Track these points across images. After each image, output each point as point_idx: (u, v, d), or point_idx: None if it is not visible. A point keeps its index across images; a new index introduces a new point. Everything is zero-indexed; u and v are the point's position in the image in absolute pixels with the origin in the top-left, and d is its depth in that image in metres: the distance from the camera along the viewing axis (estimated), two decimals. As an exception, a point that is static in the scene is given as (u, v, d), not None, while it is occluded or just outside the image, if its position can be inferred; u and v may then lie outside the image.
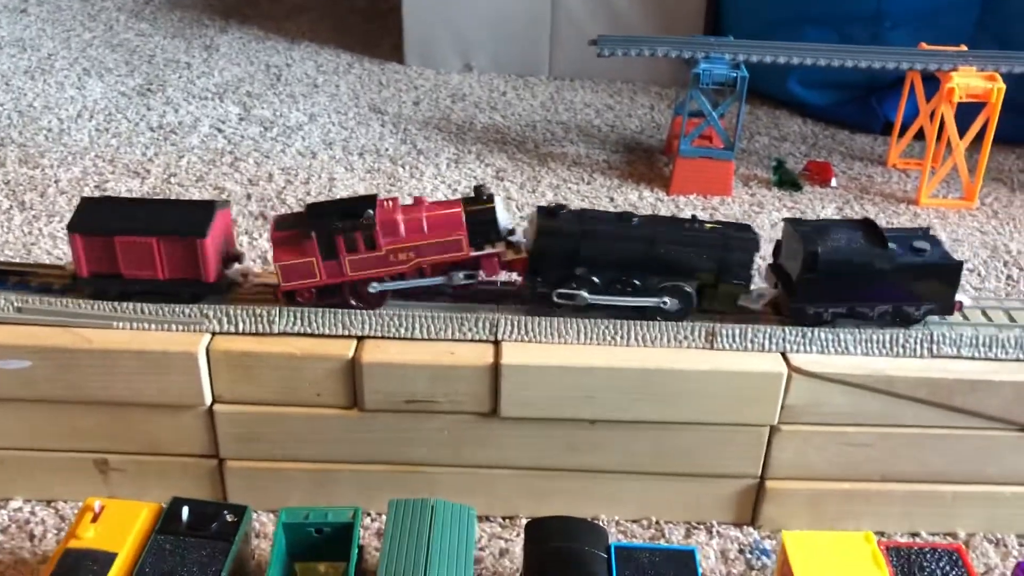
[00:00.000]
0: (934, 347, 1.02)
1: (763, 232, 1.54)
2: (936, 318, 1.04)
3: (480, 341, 1.02)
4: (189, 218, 1.03)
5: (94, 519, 0.93)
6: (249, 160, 1.88)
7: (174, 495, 0.98)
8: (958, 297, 1.03)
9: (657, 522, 1.09)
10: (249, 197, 1.73)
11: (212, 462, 1.06)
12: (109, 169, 1.82)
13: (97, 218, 1.04)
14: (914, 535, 1.09)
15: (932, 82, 1.82)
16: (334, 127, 2.05)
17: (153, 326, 1.01)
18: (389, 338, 1.02)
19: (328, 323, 1.02)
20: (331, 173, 1.85)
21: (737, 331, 1.02)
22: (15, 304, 1.02)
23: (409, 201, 1.05)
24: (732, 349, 1.02)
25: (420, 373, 1.00)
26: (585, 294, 1.01)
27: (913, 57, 1.80)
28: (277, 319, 1.02)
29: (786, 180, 1.87)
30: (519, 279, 1.06)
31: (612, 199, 1.80)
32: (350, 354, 1.00)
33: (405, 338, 1.02)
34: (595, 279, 1.01)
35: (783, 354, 1.01)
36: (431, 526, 0.94)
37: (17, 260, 1.47)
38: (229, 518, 0.95)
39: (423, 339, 1.02)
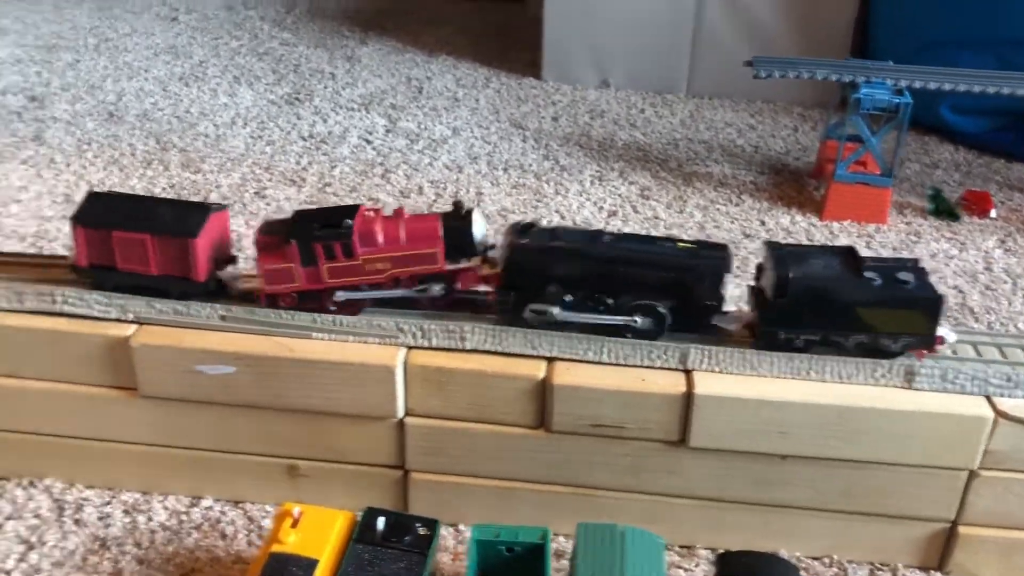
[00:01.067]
0: None
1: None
2: None
3: (669, 369, 1.02)
4: (184, 218, 1.05)
5: (293, 524, 0.95)
6: (399, 172, 1.92)
7: (358, 503, 1.00)
8: (941, 332, 0.99)
9: (839, 561, 1.07)
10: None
11: (397, 473, 1.08)
12: (267, 176, 1.88)
13: (99, 212, 1.06)
14: (1114, 595, 1.04)
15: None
16: (477, 141, 2.08)
17: (350, 337, 1.04)
18: (577, 361, 1.02)
19: (519, 343, 1.03)
20: (478, 187, 1.87)
21: (937, 371, 0.99)
22: (219, 312, 1.06)
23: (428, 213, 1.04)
24: (931, 389, 0.99)
25: (610, 398, 1.00)
26: (556, 310, 1.01)
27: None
28: (470, 336, 1.03)
29: (943, 209, 1.81)
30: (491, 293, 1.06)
31: (763, 222, 1.78)
32: (541, 375, 1.01)
33: (593, 362, 1.02)
34: (566, 296, 1.01)
35: (987, 397, 0.98)
36: (623, 552, 0.93)
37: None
38: (421, 531, 0.97)
39: (611, 363, 1.02)
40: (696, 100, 2.36)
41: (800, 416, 0.98)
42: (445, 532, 1.09)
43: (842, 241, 1.72)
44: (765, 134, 2.18)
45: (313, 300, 1.05)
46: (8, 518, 1.08)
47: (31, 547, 1.05)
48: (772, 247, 1.04)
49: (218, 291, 1.08)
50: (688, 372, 1.01)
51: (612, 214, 1.80)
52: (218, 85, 2.32)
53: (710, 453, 1.01)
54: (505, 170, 1.95)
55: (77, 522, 1.08)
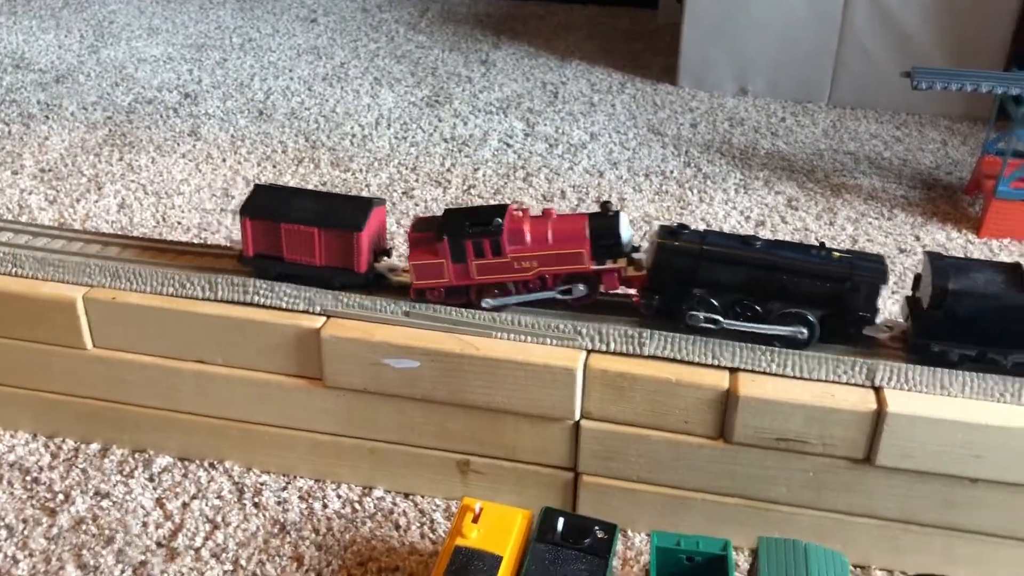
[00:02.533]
0: None
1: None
2: None
3: (855, 385, 1.00)
4: (349, 212, 1.08)
5: (475, 519, 0.97)
6: (540, 176, 1.93)
7: (527, 502, 1.01)
8: None
9: (1025, 592, 1.03)
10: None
11: (568, 475, 1.09)
12: (413, 177, 1.91)
13: (266, 205, 1.10)
14: None
15: None
16: (616, 147, 2.08)
17: (529, 338, 1.05)
18: (760, 372, 1.01)
19: (699, 351, 1.02)
20: (620, 193, 1.87)
21: None
22: (403, 308, 1.08)
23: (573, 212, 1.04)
24: None
25: (796, 412, 0.98)
26: (718, 317, 1.00)
27: None
28: (648, 342, 1.03)
29: (1112, 230, 1.73)
30: (635, 295, 1.05)
31: (918, 237, 1.72)
32: (725, 385, 1.00)
33: (776, 374, 1.01)
34: (713, 301, 1.00)
35: None
36: (807, 569, 0.92)
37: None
38: (600, 534, 0.97)
39: (794, 377, 1.01)
40: (838, 110, 2.31)
41: (996, 439, 0.95)
42: (614, 537, 1.09)
43: (1003, 259, 1.65)
44: (913, 147, 2.12)
45: (460, 296, 1.07)
46: (193, 498, 1.13)
47: (216, 527, 1.09)
48: (933, 257, 1.01)
49: (375, 283, 1.12)
50: (877, 389, 0.99)
51: (760, 224, 1.77)
52: (360, 86, 2.38)
53: (897, 472, 0.99)
54: (647, 176, 1.95)
55: (256, 505, 1.12)
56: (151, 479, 1.16)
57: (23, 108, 2.18)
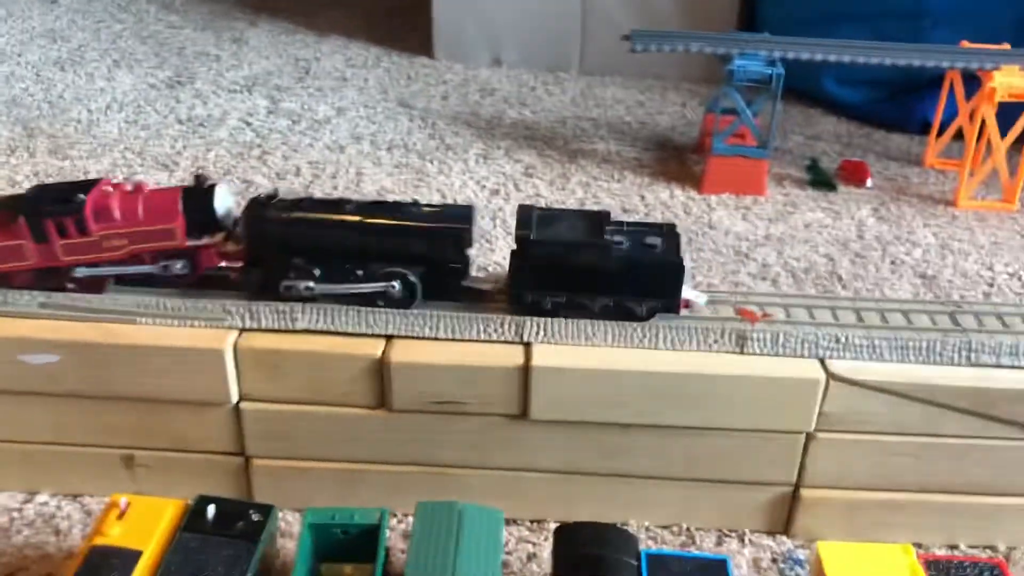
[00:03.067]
0: (972, 355, 1.00)
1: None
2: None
3: (506, 342, 1.00)
4: None
5: (120, 516, 0.92)
6: (277, 154, 1.87)
7: (200, 492, 0.97)
8: (688, 295, 1.02)
9: (688, 529, 1.07)
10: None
11: (238, 460, 1.05)
12: (138, 161, 1.82)
13: None
14: (953, 548, 1.06)
15: (973, 82, 1.77)
16: (363, 121, 2.04)
17: (176, 322, 1.00)
18: (414, 338, 1.00)
19: (352, 321, 1.01)
20: (359, 168, 1.84)
21: (769, 335, 0.99)
22: (39, 299, 1.01)
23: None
24: (763, 354, 0.99)
25: (448, 374, 0.98)
26: (309, 284, 1.00)
27: (954, 56, 1.76)
28: (300, 316, 1.00)
29: (820, 180, 1.83)
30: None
31: (643, 197, 1.77)
32: (378, 353, 0.99)
33: (430, 338, 1.01)
34: (315, 269, 1.00)
35: (821, 360, 0.99)
36: (459, 529, 0.92)
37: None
38: (255, 517, 0.94)
39: (448, 339, 1.01)
40: (587, 78, 2.35)
41: (637, 385, 0.98)
42: (291, 518, 1.06)
43: (719, 213, 1.72)
44: (653, 111, 2.18)
45: (52, 278, 1.02)
46: None
47: None
48: (522, 209, 1.04)
49: None
50: (527, 345, 1.00)
51: (495, 192, 1.78)
52: (96, 69, 2.24)
53: (553, 425, 1.01)
54: (388, 150, 1.92)
55: (-101, 524, 1.03)
56: None
57: None
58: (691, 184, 1.83)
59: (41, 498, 1.07)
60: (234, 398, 1.01)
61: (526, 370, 0.97)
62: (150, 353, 0.98)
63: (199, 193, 1.01)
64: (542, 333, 1.00)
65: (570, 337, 1.00)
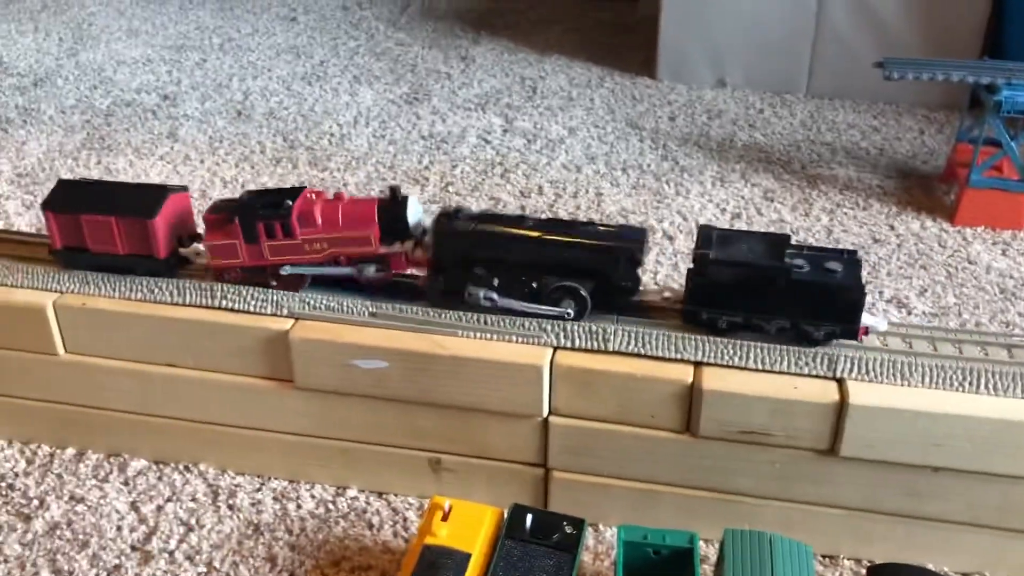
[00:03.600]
0: None
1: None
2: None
3: (818, 377, 1.01)
4: (144, 201, 1.12)
5: (444, 518, 0.98)
6: (518, 172, 1.94)
7: (499, 499, 1.02)
8: (868, 322, 1.00)
9: (990, 578, 1.04)
10: (523, 208, 1.79)
11: (539, 471, 1.10)
12: (391, 175, 1.92)
13: (68, 198, 1.13)
14: None
15: None
16: (594, 142, 2.08)
17: (495, 336, 1.06)
18: (724, 366, 1.02)
19: (662, 345, 1.03)
20: (598, 188, 1.88)
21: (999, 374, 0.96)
22: (369, 308, 1.09)
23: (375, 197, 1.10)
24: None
25: (759, 405, 0.99)
26: (490, 294, 1.05)
27: None
28: (612, 337, 1.04)
29: (1084, 216, 1.74)
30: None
31: (892, 227, 1.73)
32: (689, 379, 1.01)
33: (740, 367, 1.02)
34: (495, 279, 1.04)
35: None
36: (772, 560, 0.93)
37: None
38: (568, 529, 0.98)
39: (758, 370, 1.02)
40: (816, 101, 2.31)
41: (957, 428, 0.96)
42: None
43: (976, 247, 1.67)
44: (890, 136, 2.13)
45: (258, 275, 1.10)
46: (167, 500, 1.14)
47: (190, 529, 1.10)
48: (703, 229, 1.06)
49: (179, 266, 1.15)
50: (839, 380, 1.00)
51: (736, 216, 1.78)
52: (339, 84, 2.38)
53: (861, 463, 1.00)
54: (624, 170, 1.95)
55: (231, 507, 1.13)
56: (126, 483, 1.16)
57: (0, 113, 2.17)
58: (941, 215, 1.78)
59: (351, 492, 1.15)
60: (545, 412, 1.05)
61: (841, 407, 0.97)
62: (473, 365, 1.04)
63: (394, 204, 1.08)
64: (856, 370, 0.99)
65: (886, 376, 0.99)
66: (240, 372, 1.12)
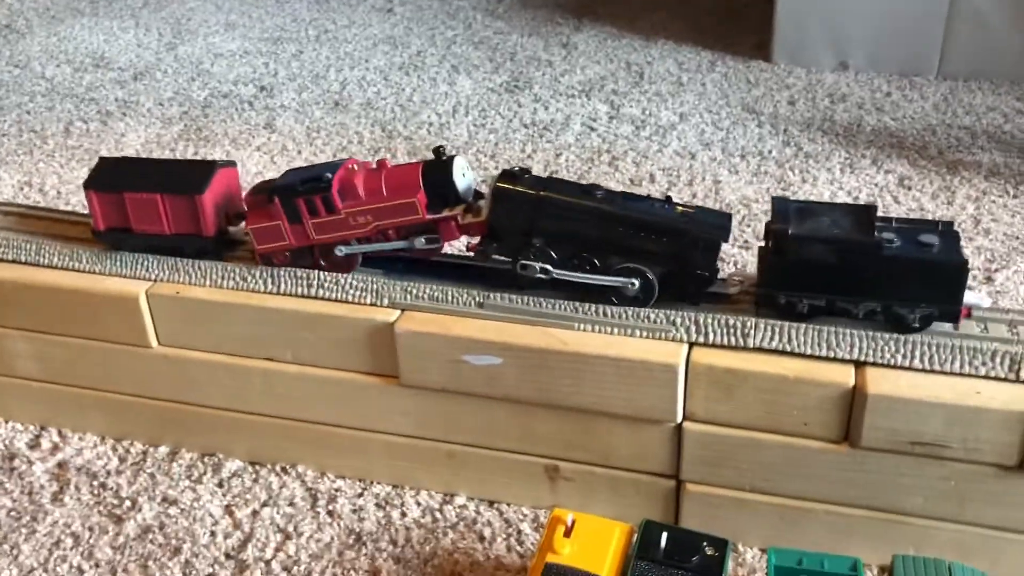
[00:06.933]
0: None
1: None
2: None
3: (1000, 379, 0.86)
4: (191, 176, 1.04)
5: (566, 533, 0.87)
6: (627, 159, 1.82)
7: (622, 512, 0.91)
8: (971, 301, 0.88)
9: None
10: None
11: (669, 483, 0.98)
12: (492, 164, 1.82)
13: (111, 176, 1.07)
14: None
15: None
16: (708, 127, 1.95)
17: (617, 330, 0.94)
18: (887, 366, 0.89)
19: (812, 341, 0.90)
20: (715, 175, 1.75)
21: None
22: (476, 299, 0.99)
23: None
24: None
25: (935, 412, 0.85)
26: (549, 267, 0.94)
27: None
28: (753, 332, 0.91)
29: None
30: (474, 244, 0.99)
31: (1052, 217, 1.55)
32: (851, 382, 0.87)
33: (905, 367, 0.88)
34: (552, 252, 0.94)
35: None
36: (953, 594, 0.79)
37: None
38: (709, 551, 0.86)
39: (926, 370, 0.88)
40: (949, 82, 2.13)
41: None
42: (721, 552, 0.97)
43: None
44: (1038, 118, 1.93)
45: (307, 257, 1.02)
46: (264, 505, 1.06)
47: (288, 537, 1.01)
48: (778, 201, 0.92)
49: (228, 246, 1.08)
50: (1029, 384, 0.85)
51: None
52: (437, 74, 2.30)
53: (1057, 483, 0.85)
54: (743, 157, 1.81)
55: (331, 513, 1.05)
56: (220, 484, 1.09)
57: (101, 106, 2.16)
58: (1107, 203, 1.59)
59: (459, 500, 1.06)
60: (678, 417, 0.93)
61: (1033, 415, 0.83)
62: (596, 363, 0.92)
63: (438, 166, 0.98)
64: (1052, 372, 0.85)
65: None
66: (341, 367, 1.03)
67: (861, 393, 0.87)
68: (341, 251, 1.02)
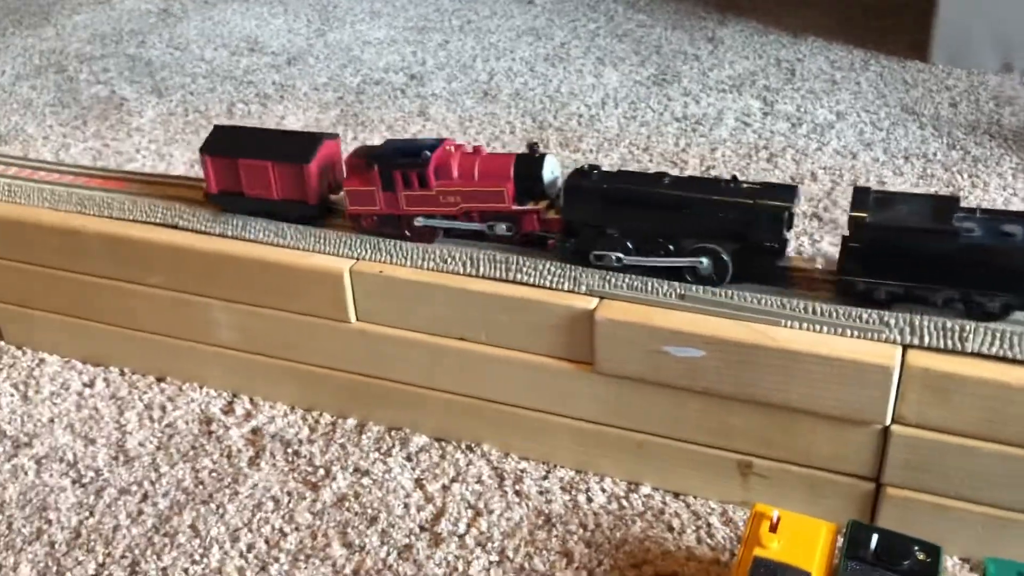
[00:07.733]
0: None
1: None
2: None
3: None
4: (299, 146, 1.11)
5: (772, 528, 0.87)
6: (786, 156, 1.79)
7: (815, 512, 0.90)
8: None
9: None
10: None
11: (868, 485, 0.97)
12: (646, 157, 1.82)
13: (226, 143, 1.14)
14: None
15: None
16: (867, 127, 1.90)
17: (825, 328, 0.93)
18: (1118, 379, 0.85)
19: (1041, 350, 0.87)
20: (879, 176, 1.71)
21: None
22: (677, 291, 0.99)
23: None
24: None
25: None
26: (618, 255, 0.99)
27: None
28: (971, 336, 0.89)
29: None
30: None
31: None
32: (1082, 394, 0.85)
33: None
34: (628, 241, 0.98)
35: None
36: None
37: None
38: (921, 556, 0.84)
39: None
40: (1126, 86, 2.03)
41: None
42: (920, 559, 0.96)
43: None
44: None
45: (392, 225, 1.08)
46: (453, 480, 1.09)
47: (479, 513, 1.04)
48: (858, 190, 0.93)
49: (329, 213, 1.15)
50: None
51: (1047, 213, 1.56)
52: (583, 66, 2.30)
53: None
54: (906, 159, 1.77)
55: (518, 493, 1.07)
56: (408, 458, 1.12)
57: (259, 89, 2.24)
58: None
59: (644, 490, 1.06)
60: (887, 419, 0.92)
61: None
62: (805, 360, 0.92)
63: (530, 161, 1.02)
64: None
65: None
66: (534, 351, 1.05)
67: (1091, 405, 0.84)
68: (420, 221, 1.07)
